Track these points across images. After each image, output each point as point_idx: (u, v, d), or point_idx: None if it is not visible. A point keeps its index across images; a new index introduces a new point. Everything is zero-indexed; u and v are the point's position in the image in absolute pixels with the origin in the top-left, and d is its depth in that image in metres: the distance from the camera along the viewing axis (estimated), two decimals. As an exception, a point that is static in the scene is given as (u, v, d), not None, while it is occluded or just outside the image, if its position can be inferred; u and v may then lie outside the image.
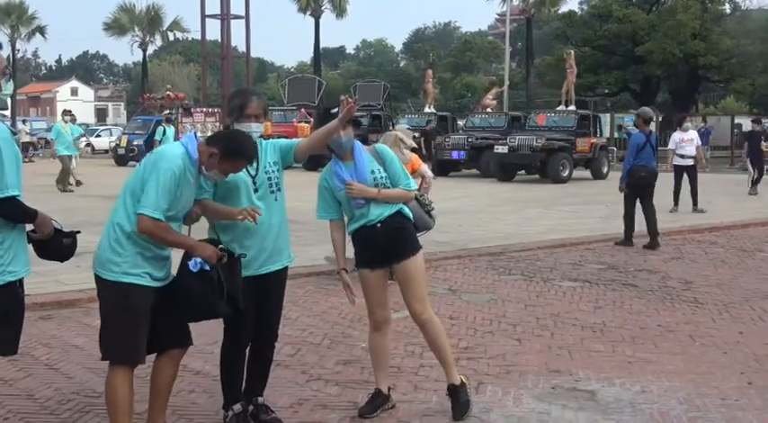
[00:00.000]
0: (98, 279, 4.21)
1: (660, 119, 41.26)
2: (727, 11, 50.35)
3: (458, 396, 5.06)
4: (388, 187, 4.97)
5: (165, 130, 23.04)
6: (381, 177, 4.96)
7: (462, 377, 5.18)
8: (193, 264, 4.17)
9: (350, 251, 5.10)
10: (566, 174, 25.39)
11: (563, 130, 26.76)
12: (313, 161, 22.07)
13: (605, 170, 27.36)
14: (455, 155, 28.15)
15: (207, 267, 4.17)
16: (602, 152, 27.57)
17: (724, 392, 5.55)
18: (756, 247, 12.25)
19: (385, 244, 4.94)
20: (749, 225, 14.80)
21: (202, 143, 4.23)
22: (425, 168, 9.05)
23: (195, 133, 4.42)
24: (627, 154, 12.39)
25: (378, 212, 4.93)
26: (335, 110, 5.25)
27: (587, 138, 26.62)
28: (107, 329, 4.23)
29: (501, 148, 26.28)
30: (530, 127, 28.04)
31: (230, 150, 4.22)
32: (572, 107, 28.40)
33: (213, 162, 4.20)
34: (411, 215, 5.12)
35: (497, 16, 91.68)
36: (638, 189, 12.02)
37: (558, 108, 29.41)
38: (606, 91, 49.13)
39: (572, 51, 32.56)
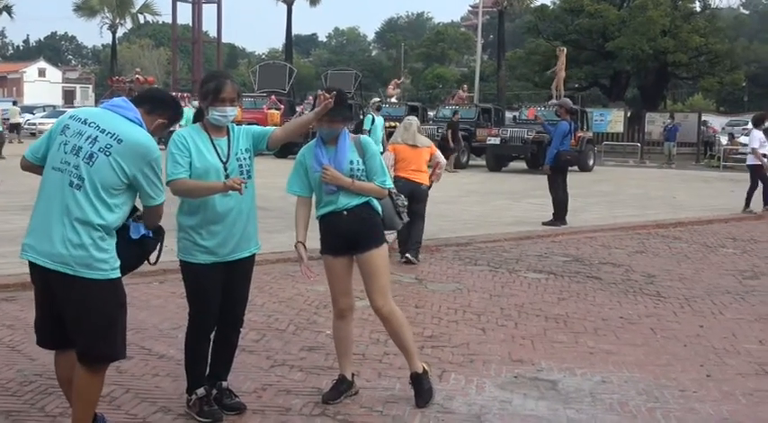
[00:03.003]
0: (79, 281, 3.82)
1: (629, 114, 41.67)
2: (697, 9, 50.75)
3: (421, 384, 5.09)
4: (364, 180, 4.98)
5: (373, 119, 21.07)
6: (358, 169, 4.94)
7: (424, 365, 5.21)
8: (135, 231, 4.07)
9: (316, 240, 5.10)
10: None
11: (552, 123, 27.17)
12: (284, 149, 21.96)
13: (591, 163, 28.50)
14: None
15: (150, 235, 4.14)
16: (588, 145, 28.68)
17: (683, 384, 5.64)
18: (719, 243, 12.42)
19: (349, 232, 4.94)
20: (713, 221, 15.01)
21: (142, 112, 4.07)
22: (439, 154, 10.05)
23: (123, 98, 4.23)
24: (553, 140, 13.92)
25: (346, 201, 4.93)
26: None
27: (575, 132, 26.99)
28: (116, 328, 3.97)
29: (494, 140, 26.90)
30: (520, 120, 28.87)
31: (177, 116, 4.30)
32: None
33: (160, 130, 4.20)
34: (380, 209, 5.11)
35: (470, 8, 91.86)
36: (563, 171, 13.80)
37: (548, 102, 30.38)
38: (576, 86, 49.39)
39: (564, 49, 33.51)
